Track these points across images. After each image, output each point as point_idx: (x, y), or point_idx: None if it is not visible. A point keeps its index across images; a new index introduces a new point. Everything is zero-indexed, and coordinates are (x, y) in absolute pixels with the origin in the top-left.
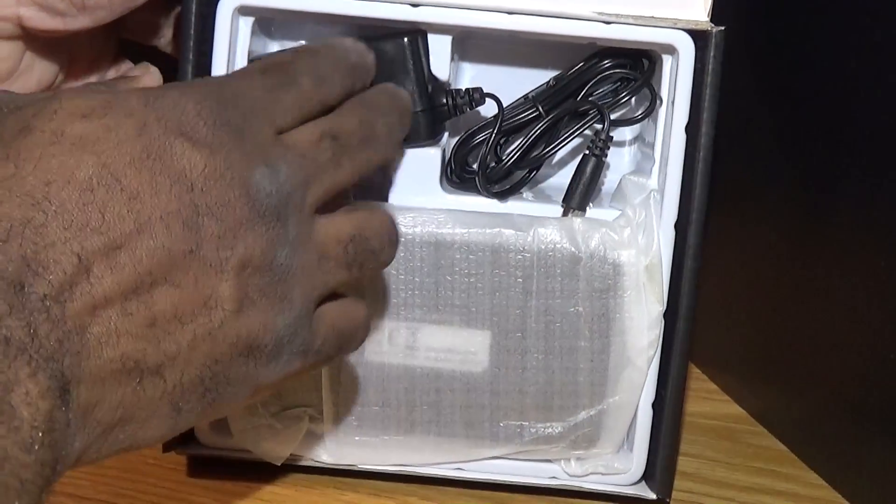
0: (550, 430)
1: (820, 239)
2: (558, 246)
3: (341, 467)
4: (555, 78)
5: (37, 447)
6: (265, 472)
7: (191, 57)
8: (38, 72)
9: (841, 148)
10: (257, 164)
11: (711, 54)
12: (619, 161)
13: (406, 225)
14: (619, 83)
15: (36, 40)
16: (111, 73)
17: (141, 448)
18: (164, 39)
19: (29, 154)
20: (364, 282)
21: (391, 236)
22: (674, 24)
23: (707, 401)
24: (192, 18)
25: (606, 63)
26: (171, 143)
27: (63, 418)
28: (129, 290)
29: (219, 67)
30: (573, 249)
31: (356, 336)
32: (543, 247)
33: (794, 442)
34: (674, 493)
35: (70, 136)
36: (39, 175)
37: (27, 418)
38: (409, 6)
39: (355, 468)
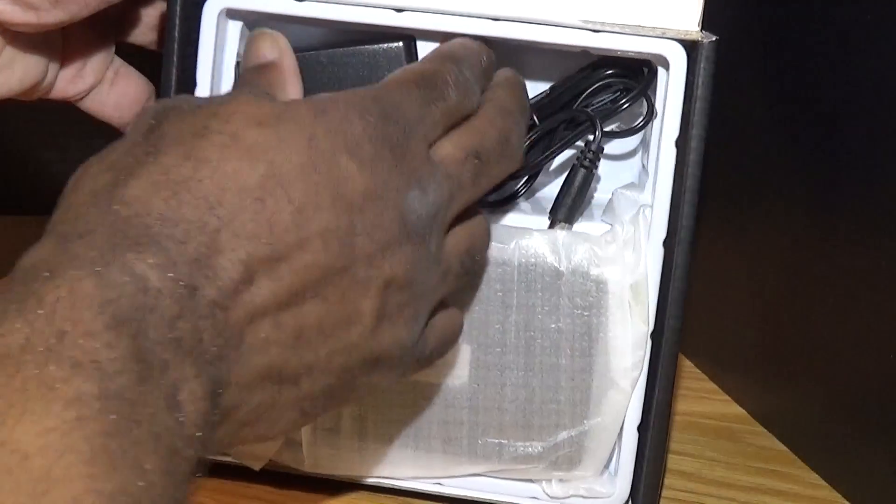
0: (530, 449)
1: (820, 239)
2: (540, 260)
3: (319, 476)
4: (552, 87)
5: (194, 443)
6: (264, 472)
7: (175, 59)
8: (20, 69)
9: (841, 147)
10: (412, 187)
11: (702, 65)
12: (623, 174)
13: None
14: (617, 93)
15: (18, 37)
16: (109, 75)
17: (261, 442)
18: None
19: (206, 156)
20: None
21: (488, 244)
22: (662, 34)
23: (707, 401)
24: (177, 20)
25: (604, 72)
26: (337, 158)
27: (213, 420)
28: (284, 303)
29: (204, 71)
30: (555, 264)
31: (453, 343)
32: (524, 260)
33: (794, 442)
34: (674, 493)
35: (244, 142)
36: (215, 180)
37: (190, 416)
38: (393, 11)
39: (333, 478)
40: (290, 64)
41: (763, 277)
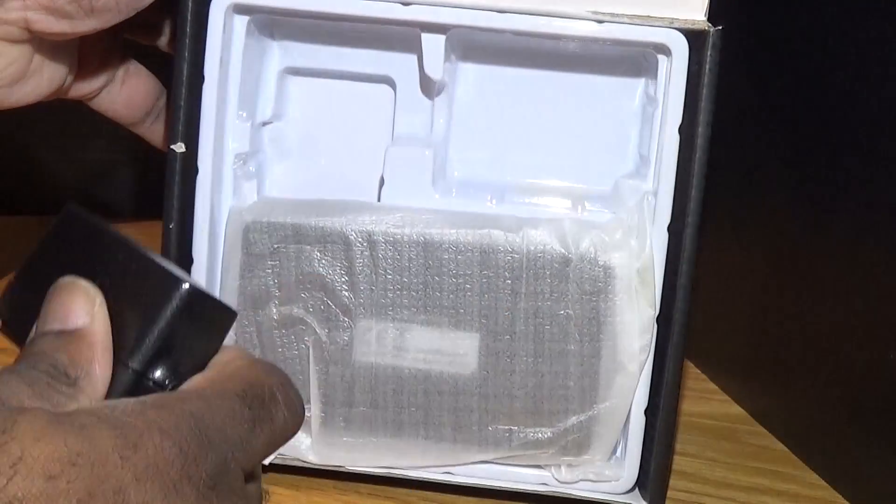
0: (540, 435)
1: (820, 239)
2: (548, 247)
3: (329, 468)
4: None
5: None
6: (266, 471)
7: (186, 54)
8: (47, 74)
9: (840, 147)
10: None
11: (708, 54)
12: (621, 165)
13: (395, 225)
14: None
15: (44, 43)
16: (120, 73)
17: None
18: (165, 38)
19: None
20: None
21: None
22: (670, 24)
23: (707, 401)
24: (189, 16)
25: None
26: None
27: None
28: None
29: (211, 66)
30: (563, 251)
31: None
32: (533, 248)
33: (794, 442)
34: (674, 493)
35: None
36: None
37: None
38: (400, 5)
39: (343, 469)
40: (101, 333)
41: (762, 278)
